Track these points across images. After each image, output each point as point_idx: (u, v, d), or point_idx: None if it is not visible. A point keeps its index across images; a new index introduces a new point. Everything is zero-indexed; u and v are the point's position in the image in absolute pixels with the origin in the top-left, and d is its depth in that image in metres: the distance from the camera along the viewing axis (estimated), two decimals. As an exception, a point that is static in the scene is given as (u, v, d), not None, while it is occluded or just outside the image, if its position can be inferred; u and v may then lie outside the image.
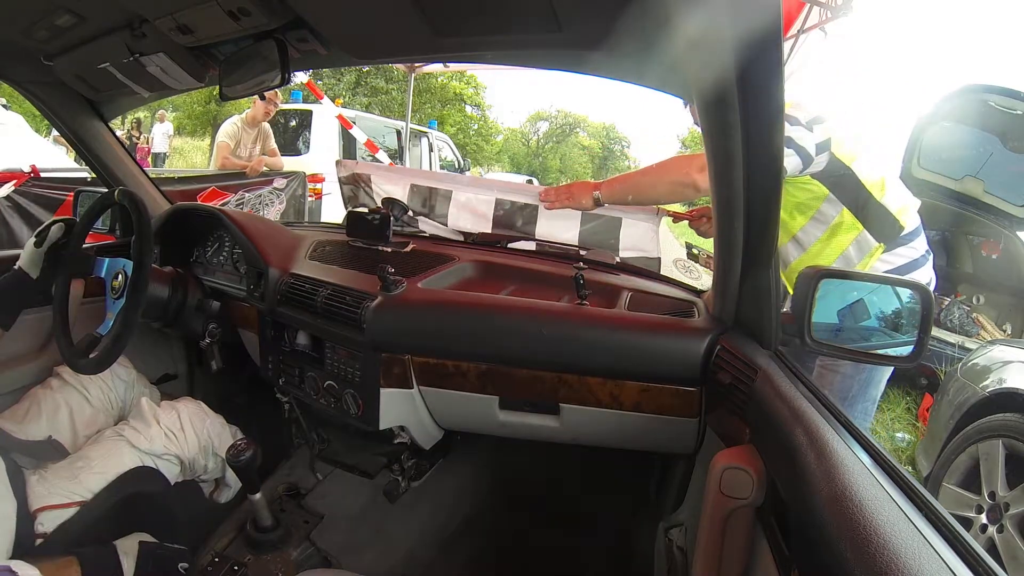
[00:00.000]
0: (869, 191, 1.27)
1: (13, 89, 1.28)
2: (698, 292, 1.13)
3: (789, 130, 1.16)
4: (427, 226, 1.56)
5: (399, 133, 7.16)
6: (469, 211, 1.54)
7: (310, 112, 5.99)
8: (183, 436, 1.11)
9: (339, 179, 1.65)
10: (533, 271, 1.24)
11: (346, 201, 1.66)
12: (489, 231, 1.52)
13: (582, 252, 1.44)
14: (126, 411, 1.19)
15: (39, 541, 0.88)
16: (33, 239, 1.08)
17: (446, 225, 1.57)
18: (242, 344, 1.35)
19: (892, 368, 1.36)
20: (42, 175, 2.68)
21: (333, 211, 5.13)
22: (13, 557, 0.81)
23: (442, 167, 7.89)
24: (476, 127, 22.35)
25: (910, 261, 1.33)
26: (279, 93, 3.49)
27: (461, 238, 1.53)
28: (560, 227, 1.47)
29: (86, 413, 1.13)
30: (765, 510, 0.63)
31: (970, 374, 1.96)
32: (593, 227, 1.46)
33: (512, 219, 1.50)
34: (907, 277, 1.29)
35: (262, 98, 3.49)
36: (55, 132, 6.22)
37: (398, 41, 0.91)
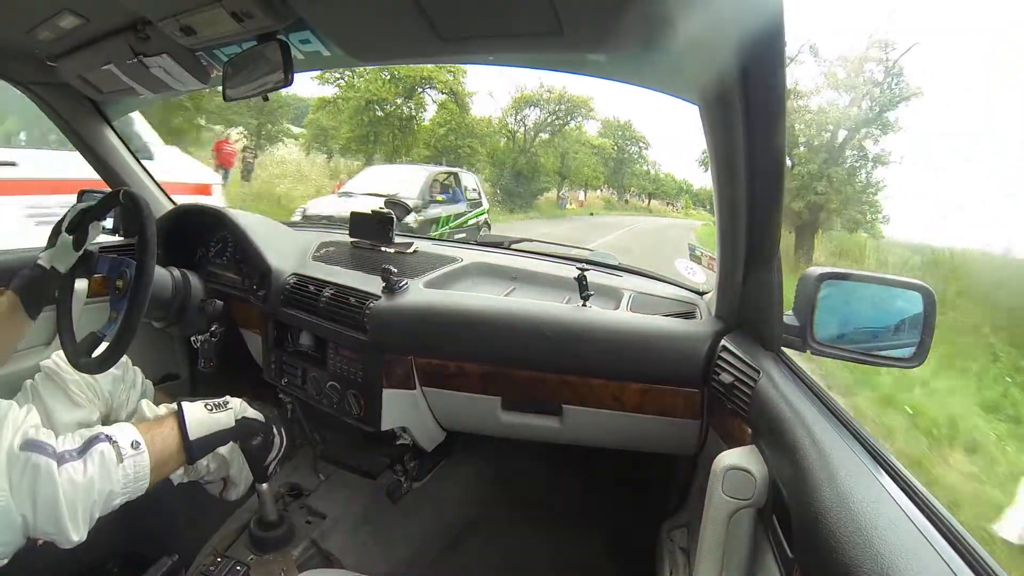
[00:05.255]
0: None
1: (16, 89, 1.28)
2: (700, 293, 1.13)
3: None
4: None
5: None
6: None
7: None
8: None
9: None
10: (536, 272, 1.24)
11: None
12: None
13: (585, 253, 1.45)
14: (112, 403, 1.18)
15: (40, 541, 0.88)
16: (69, 238, 1.04)
17: None
18: (245, 344, 1.35)
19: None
20: None
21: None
22: (13, 557, 0.81)
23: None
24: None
25: None
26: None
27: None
28: None
29: (66, 412, 1.07)
30: (767, 511, 0.63)
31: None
32: None
33: None
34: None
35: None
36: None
37: (400, 42, 0.91)
